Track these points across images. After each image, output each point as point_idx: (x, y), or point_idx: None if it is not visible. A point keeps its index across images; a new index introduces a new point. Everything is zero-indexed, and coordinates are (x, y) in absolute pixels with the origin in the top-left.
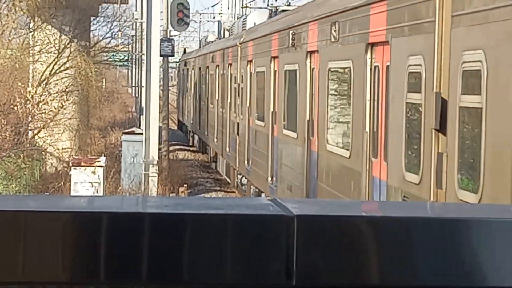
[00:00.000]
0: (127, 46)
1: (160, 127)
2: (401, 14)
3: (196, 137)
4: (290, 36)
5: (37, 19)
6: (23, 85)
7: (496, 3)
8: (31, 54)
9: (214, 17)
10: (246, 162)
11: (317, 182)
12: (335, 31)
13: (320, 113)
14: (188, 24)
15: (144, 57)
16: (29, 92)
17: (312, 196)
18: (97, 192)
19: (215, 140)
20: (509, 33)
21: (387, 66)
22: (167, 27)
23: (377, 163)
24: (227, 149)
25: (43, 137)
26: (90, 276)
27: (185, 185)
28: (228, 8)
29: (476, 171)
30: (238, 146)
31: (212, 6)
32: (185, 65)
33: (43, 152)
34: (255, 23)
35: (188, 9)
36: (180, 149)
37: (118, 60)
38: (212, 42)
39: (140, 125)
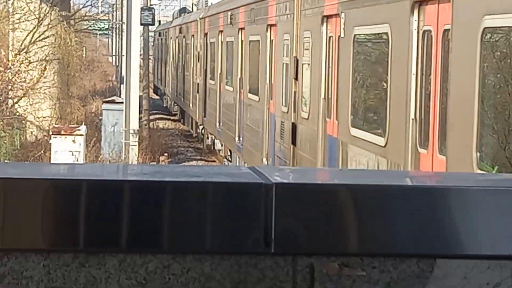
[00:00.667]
0: (107, 15)
1: (140, 96)
2: None
3: (171, 102)
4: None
5: None
6: (3, 53)
7: None
8: (10, 22)
9: None
10: (201, 114)
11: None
12: None
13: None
14: None
15: (124, 26)
16: (9, 60)
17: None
18: (77, 160)
19: (184, 101)
20: None
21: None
22: None
23: None
24: (191, 106)
25: (23, 106)
26: (69, 243)
27: (166, 154)
28: None
29: None
30: (198, 102)
31: None
32: (160, 35)
33: (23, 121)
34: None
35: None
36: (161, 118)
37: (99, 28)
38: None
39: (120, 94)
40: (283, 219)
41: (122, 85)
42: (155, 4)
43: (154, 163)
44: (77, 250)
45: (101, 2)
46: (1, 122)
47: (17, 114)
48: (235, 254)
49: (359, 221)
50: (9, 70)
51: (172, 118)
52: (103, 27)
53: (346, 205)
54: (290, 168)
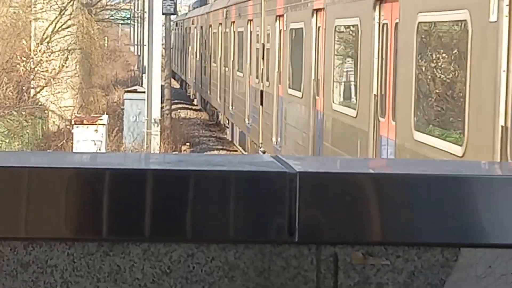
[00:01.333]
0: (129, 4)
1: (162, 86)
2: None
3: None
4: None
5: None
6: (25, 43)
7: None
8: (33, 12)
9: None
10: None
11: None
12: None
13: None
14: None
15: (146, 15)
16: (32, 50)
17: None
18: (99, 150)
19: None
20: None
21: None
22: None
23: None
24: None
25: (45, 95)
26: (93, 232)
27: (187, 144)
28: None
29: None
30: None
31: None
32: (177, 25)
33: (45, 111)
34: None
35: None
36: (183, 108)
37: (120, 18)
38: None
39: (142, 84)
40: (307, 208)
41: (144, 75)
42: None
43: (176, 152)
44: (101, 239)
45: None
46: (24, 112)
47: (39, 103)
48: (259, 243)
49: (383, 210)
50: (31, 60)
51: (194, 107)
52: (125, 17)
53: (370, 194)
54: (314, 157)
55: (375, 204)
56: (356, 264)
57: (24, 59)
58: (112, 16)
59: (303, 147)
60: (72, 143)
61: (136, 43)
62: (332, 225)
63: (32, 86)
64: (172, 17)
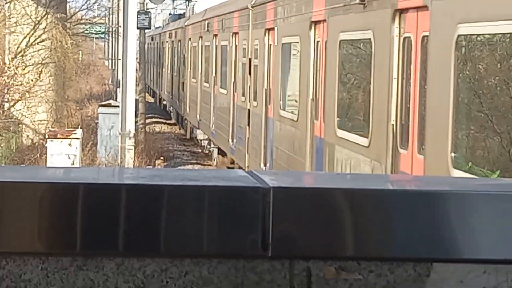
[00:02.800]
0: (103, 18)
1: (136, 100)
2: None
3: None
4: None
5: None
6: (0, 57)
7: None
8: (7, 26)
9: None
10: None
11: None
12: None
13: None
14: None
15: (120, 29)
16: (6, 64)
17: None
18: (73, 164)
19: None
20: None
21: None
22: (144, 0)
23: None
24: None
25: (19, 109)
26: (67, 246)
27: (162, 158)
28: None
29: None
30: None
31: None
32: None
33: (19, 124)
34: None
35: None
36: (157, 122)
37: (95, 32)
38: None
39: (116, 98)
40: (281, 223)
41: (118, 89)
42: (151, 8)
43: (150, 166)
44: (75, 253)
45: (98, 5)
46: None
47: (13, 117)
48: (232, 257)
49: (356, 225)
50: (5, 74)
51: (168, 122)
52: (99, 31)
53: (343, 209)
54: (287, 172)
55: (348, 219)
56: (329, 279)
57: None
58: (86, 30)
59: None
60: (46, 157)
61: (110, 57)
62: (305, 240)
63: (6, 100)
64: (147, 31)
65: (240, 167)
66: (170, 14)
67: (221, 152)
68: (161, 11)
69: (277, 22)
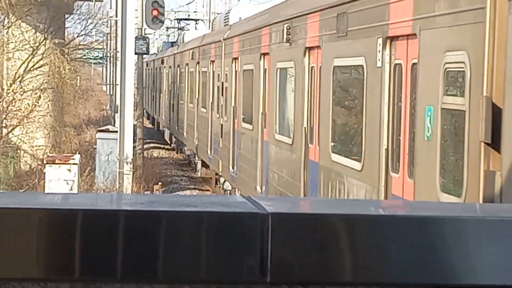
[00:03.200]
0: (101, 44)
1: (134, 125)
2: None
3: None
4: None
5: (12, 16)
6: None
7: None
8: (5, 51)
9: (189, 15)
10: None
11: None
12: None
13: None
14: (163, 22)
15: (118, 55)
16: (4, 89)
17: None
18: (71, 189)
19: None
20: None
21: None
22: (142, 25)
23: None
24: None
25: (17, 134)
26: (65, 273)
27: (160, 183)
28: (203, 7)
29: None
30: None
31: (187, 4)
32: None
33: (17, 150)
34: (240, 18)
35: (163, 7)
36: (155, 147)
37: (93, 57)
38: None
39: (114, 123)
40: (279, 249)
41: (116, 114)
42: (150, 34)
43: (148, 192)
44: (74, 279)
45: (96, 31)
46: None
47: (12, 143)
48: (231, 283)
49: (354, 251)
50: (4, 99)
51: (166, 147)
52: (97, 56)
53: (342, 235)
54: (286, 198)
55: (346, 245)
56: None
57: None
58: (84, 55)
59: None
60: (44, 182)
61: (108, 82)
62: (303, 265)
63: (4, 125)
64: (145, 56)
65: (217, 174)
66: (164, 41)
67: (204, 164)
68: (159, 36)
69: (271, 47)
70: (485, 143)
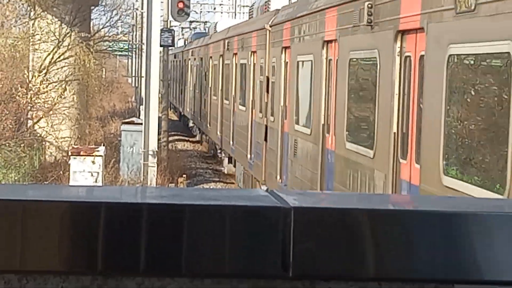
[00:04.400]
0: (127, 36)
1: (159, 118)
2: None
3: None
4: None
5: (38, 8)
6: (24, 74)
7: None
8: (31, 43)
9: (215, 8)
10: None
11: None
12: None
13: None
14: (188, 14)
15: (144, 47)
16: (30, 81)
17: None
18: (96, 181)
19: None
20: None
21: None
22: (168, 17)
23: None
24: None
25: (43, 126)
26: (88, 266)
27: (184, 176)
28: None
29: None
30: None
31: None
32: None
33: (42, 141)
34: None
35: None
36: (180, 140)
37: (118, 49)
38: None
39: (139, 115)
40: (301, 243)
41: (141, 106)
42: (175, 26)
43: (173, 184)
44: (96, 273)
45: (121, 23)
46: (21, 143)
47: (37, 134)
48: (253, 277)
49: (378, 246)
50: (29, 91)
51: (191, 139)
52: (122, 48)
53: (365, 230)
54: (309, 192)
55: (370, 240)
56: None
57: (23, 90)
58: (110, 47)
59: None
60: (69, 174)
61: (133, 74)
62: (326, 260)
63: (29, 117)
64: (170, 48)
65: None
66: (194, 32)
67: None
68: (181, 30)
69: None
70: None
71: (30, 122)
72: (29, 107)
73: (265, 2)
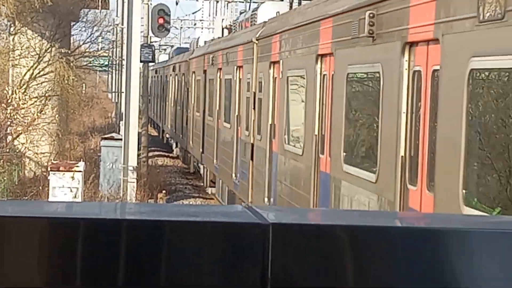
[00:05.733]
0: (107, 51)
1: (139, 133)
2: None
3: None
4: None
5: (18, 23)
6: (3, 90)
7: None
8: (11, 58)
9: (195, 24)
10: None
11: None
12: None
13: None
14: (168, 30)
15: (124, 62)
16: (10, 96)
17: None
18: (75, 197)
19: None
20: None
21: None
22: (148, 33)
23: None
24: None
25: (22, 141)
26: (67, 281)
27: (164, 191)
28: (209, 15)
29: None
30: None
31: (193, 13)
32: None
33: (21, 157)
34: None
35: (169, 15)
36: (160, 155)
37: (98, 65)
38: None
39: (119, 131)
40: (280, 259)
41: (121, 122)
42: (155, 42)
43: (152, 200)
44: (75, 287)
45: (101, 38)
46: (1, 158)
47: (16, 150)
48: None
49: (356, 262)
50: (9, 107)
51: (170, 155)
52: (102, 64)
53: (343, 246)
54: (287, 208)
55: (348, 256)
56: None
57: (3, 105)
58: (90, 62)
59: None
60: (48, 189)
61: (113, 90)
62: (304, 276)
63: (8, 132)
64: (151, 64)
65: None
66: (177, 47)
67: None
68: (164, 44)
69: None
70: None
71: (9, 138)
72: (8, 123)
73: (251, 14)
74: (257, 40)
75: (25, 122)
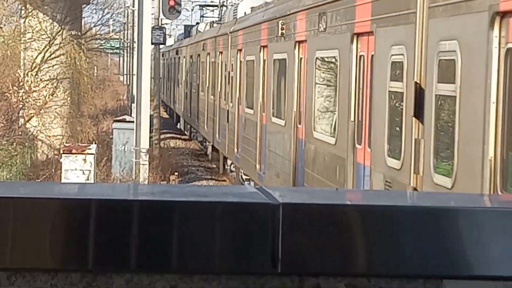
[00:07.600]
0: (118, 34)
1: (151, 115)
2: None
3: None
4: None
5: (29, 6)
6: (15, 73)
7: None
8: (22, 41)
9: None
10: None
11: None
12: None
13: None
14: (179, 12)
15: (135, 45)
16: (22, 79)
17: None
18: (88, 179)
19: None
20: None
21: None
22: (159, 15)
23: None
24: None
25: (34, 124)
26: (78, 263)
27: (176, 173)
28: None
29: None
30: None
31: None
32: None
33: (34, 140)
34: (245, 13)
35: None
36: (172, 137)
37: (110, 47)
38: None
39: (131, 113)
40: (290, 240)
41: (133, 104)
42: (167, 24)
43: (165, 182)
44: (85, 270)
45: (112, 21)
46: (13, 141)
47: (29, 133)
48: (242, 274)
49: (366, 242)
50: (22, 90)
51: (182, 137)
52: (114, 46)
53: (353, 226)
54: (298, 189)
55: (358, 236)
56: None
57: (15, 88)
58: (101, 45)
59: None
60: (60, 172)
61: (125, 72)
62: (315, 256)
63: (21, 115)
64: (162, 46)
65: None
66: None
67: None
68: (176, 27)
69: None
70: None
71: (21, 121)
72: (20, 106)
73: (233, 10)
74: (230, 33)
75: (37, 105)
